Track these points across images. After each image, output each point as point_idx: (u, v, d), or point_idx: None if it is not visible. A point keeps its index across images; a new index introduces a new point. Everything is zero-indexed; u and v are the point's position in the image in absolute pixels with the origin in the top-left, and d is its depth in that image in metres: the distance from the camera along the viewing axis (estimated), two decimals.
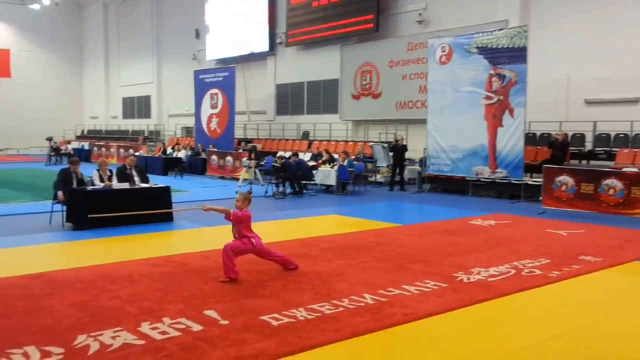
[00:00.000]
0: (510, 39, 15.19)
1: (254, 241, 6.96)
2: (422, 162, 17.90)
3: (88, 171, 11.89)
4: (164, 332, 5.02)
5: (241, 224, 6.96)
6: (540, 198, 13.37)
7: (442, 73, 16.79)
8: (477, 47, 15.88)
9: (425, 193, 17.34)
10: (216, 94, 26.03)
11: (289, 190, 16.62)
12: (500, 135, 15.56)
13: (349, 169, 16.67)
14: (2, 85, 40.29)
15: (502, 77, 15.41)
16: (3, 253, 8.53)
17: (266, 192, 16.18)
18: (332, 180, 17.12)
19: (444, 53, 16.75)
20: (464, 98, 16.28)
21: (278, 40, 27.03)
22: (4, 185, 18.15)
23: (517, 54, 15.04)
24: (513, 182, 15.54)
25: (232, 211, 6.92)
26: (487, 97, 15.74)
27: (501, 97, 15.45)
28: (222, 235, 9.71)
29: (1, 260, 8.03)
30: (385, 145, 18.99)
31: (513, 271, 7.42)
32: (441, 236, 9.97)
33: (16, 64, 40.14)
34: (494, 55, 15.54)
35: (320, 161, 18.41)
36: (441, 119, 16.91)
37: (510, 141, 15.33)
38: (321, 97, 25.48)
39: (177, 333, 5.01)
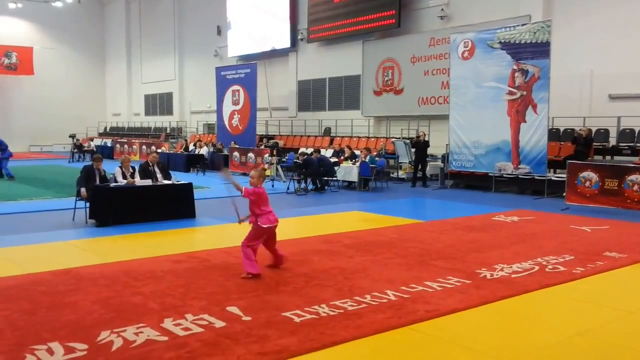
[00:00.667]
0: (534, 34, 15.00)
1: (261, 220, 6.93)
2: (445, 158, 17.79)
3: (111, 168, 11.98)
4: (186, 329, 5.03)
5: (254, 201, 6.93)
6: (564, 194, 13.20)
7: (465, 68, 16.65)
8: (500, 42, 15.71)
9: (448, 189, 17.22)
10: (238, 90, 26.10)
11: (310, 186, 16.61)
12: (523, 130, 15.39)
13: (371, 165, 16.61)
14: (25, 83, 40.84)
15: (525, 72, 15.23)
16: (27, 249, 8.63)
17: (288, 188, 16.20)
18: (354, 177, 17.07)
19: (467, 48, 16.60)
20: (486, 93, 16.13)
21: (300, 37, 27.01)
22: (28, 182, 18.40)
23: (540, 49, 14.85)
24: (536, 178, 15.37)
25: (244, 188, 6.93)
26: (510, 93, 15.58)
27: (524, 93, 15.28)
28: (244, 232, 9.74)
29: (26, 257, 8.12)
30: (407, 141, 18.88)
31: (537, 267, 7.34)
32: (464, 232, 9.89)
33: (39, 61, 40.64)
34: (516, 50, 15.36)
35: (342, 157, 18.37)
36: (463, 115, 16.77)
37: (534, 137, 15.16)
38: (343, 93, 25.42)
39: (200, 329, 5.02)
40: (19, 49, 40.04)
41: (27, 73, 40.47)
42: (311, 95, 27.06)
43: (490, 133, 16.07)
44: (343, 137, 23.85)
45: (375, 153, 18.70)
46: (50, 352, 4.52)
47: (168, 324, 5.15)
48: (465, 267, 7.33)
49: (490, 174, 16.37)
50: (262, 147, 22.94)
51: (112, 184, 11.04)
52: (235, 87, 26.23)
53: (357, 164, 17.05)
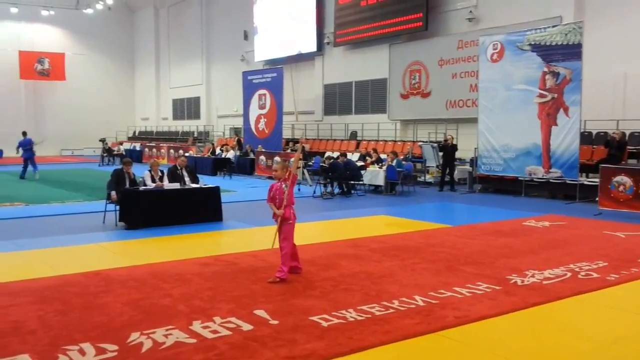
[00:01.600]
0: (565, 35, 14.79)
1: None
2: (473, 161, 17.61)
3: (140, 172, 12.11)
4: (215, 331, 5.05)
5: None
6: (597, 199, 12.97)
7: (494, 71, 16.48)
8: (530, 44, 15.53)
9: (476, 193, 17.05)
10: (264, 94, 26.21)
11: (337, 190, 16.59)
12: (554, 134, 15.17)
13: (398, 169, 16.52)
14: (57, 88, 41.56)
15: (556, 74, 15.03)
16: (60, 251, 8.77)
17: (314, 192, 16.19)
18: (380, 181, 17.01)
19: (496, 51, 16.44)
20: (516, 96, 15.95)
21: (326, 41, 27.03)
22: (59, 186, 18.69)
23: (572, 51, 14.63)
24: (568, 182, 15.12)
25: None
26: (541, 95, 15.37)
27: (555, 95, 15.07)
28: (271, 235, 9.77)
29: (58, 258, 8.25)
30: (435, 144, 18.75)
31: (569, 274, 7.20)
32: (493, 237, 9.77)
33: (71, 67, 41.35)
34: (547, 52, 15.16)
35: (368, 161, 18.31)
36: (493, 118, 16.60)
37: (565, 140, 14.94)
38: (369, 96, 25.35)
39: (228, 332, 5.03)
40: (51, 55, 40.79)
41: (59, 78, 41.20)
42: (337, 99, 27.05)
43: (520, 136, 15.87)
44: (369, 140, 23.78)
45: (402, 157, 18.60)
46: (82, 352, 4.58)
47: (197, 326, 5.18)
48: (495, 272, 7.24)
49: (520, 178, 16.16)
50: (289, 150, 22.98)
51: (142, 188, 11.15)
52: (262, 91, 26.35)
53: (384, 167, 16.98)
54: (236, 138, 29.17)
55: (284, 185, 6.83)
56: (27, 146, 22.08)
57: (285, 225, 6.84)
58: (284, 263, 6.78)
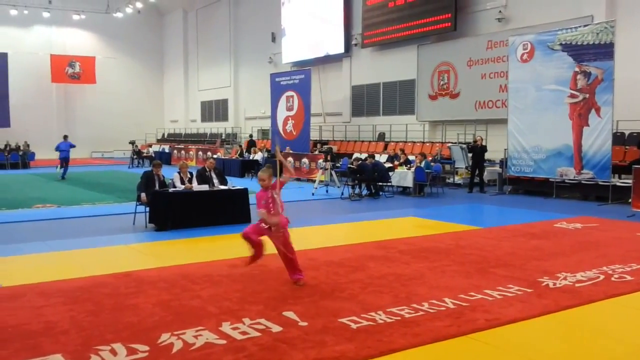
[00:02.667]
0: (596, 35, 14.55)
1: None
2: (503, 163, 17.41)
3: (169, 173, 12.22)
4: (244, 332, 5.06)
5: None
6: (630, 200, 12.72)
7: (524, 71, 16.29)
8: (561, 44, 15.31)
9: (506, 195, 16.85)
10: (292, 96, 26.28)
11: (365, 192, 16.55)
12: (586, 135, 14.93)
13: (426, 170, 16.42)
14: (88, 92, 42.22)
15: (587, 74, 14.79)
16: (90, 252, 8.88)
17: (342, 193, 16.17)
18: (408, 182, 16.92)
19: (526, 51, 16.24)
20: (547, 97, 15.73)
21: (354, 42, 26.99)
22: (90, 187, 18.97)
23: (604, 51, 14.39)
24: (600, 183, 14.87)
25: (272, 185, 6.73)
26: (572, 96, 15.14)
27: (587, 96, 14.82)
28: (299, 237, 9.76)
29: (89, 259, 8.36)
30: (464, 146, 18.59)
31: (602, 276, 7.08)
32: (524, 239, 9.64)
33: (101, 70, 41.97)
34: (578, 52, 14.92)
35: (396, 163, 18.23)
36: (523, 119, 16.40)
37: (597, 141, 14.69)
38: (397, 98, 25.23)
39: (257, 334, 5.04)
40: (82, 58, 41.46)
41: (89, 82, 41.86)
42: (365, 101, 26.98)
43: (551, 137, 15.65)
44: (397, 142, 23.67)
45: (430, 158, 18.48)
46: (114, 352, 4.63)
47: (226, 327, 5.19)
48: (526, 275, 7.14)
49: (551, 180, 15.93)
50: (317, 152, 23.00)
51: (171, 189, 11.25)
52: (290, 93, 26.42)
53: (412, 169, 16.89)
54: (249, 139, 29.49)
55: (274, 194, 6.68)
56: (65, 148, 22.98)
57: (282, 233, 6.70)
58: (297, 267, 6.75)
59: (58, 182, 21.20)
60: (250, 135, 31.14)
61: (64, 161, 22.81)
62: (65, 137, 24.10)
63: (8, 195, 16.80)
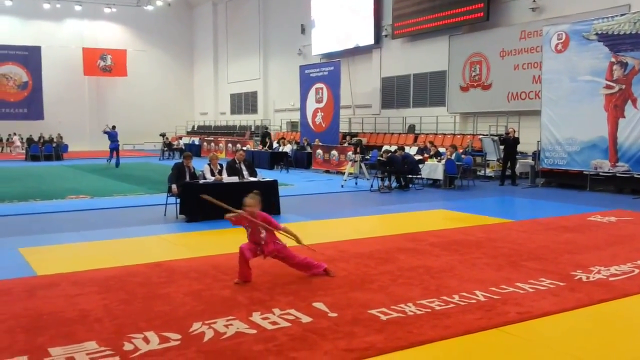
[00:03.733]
0: (634, 24, 14.24)
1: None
2: (536, 155, 17.17)
3: (199, 165, 12.31)
4: (274, 323, 5.08)
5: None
6: None
7: (558, 62, 16.02)
8: (597, 34, 15.01)
9: (539, 188, 16.61)
10: (321, 88, 26.26)
11: (394, 184, 16.47)
12: (622, 126, 14.65)
13: (457, 162, 16.27)
14: (119, 84, 42.78)
15: (624, 65, 14.48)
16: (123, 242, 9.02)
17: (371, 186, 16.12)
18: (439, 175, 16.79)
19: (560, 41, 15.96)
20: (581, 88, 15.45)
21: (384, 33, 26.81)
22: (122, 179, 19.22)
23: None
24: (635, 176, 14.58)
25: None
26: (608, 87, 14.85)
27: (623, 87, 14.53)
28: (329, 229, 9.77)
29: (122, 249, 8.49)
30: (496, 138, 18.37)
31: (637, 270, 6.93)
32: (557, 233, 9.49)
33: (132, 63, 42.54)
34: (615, 42, 14.62)
35: (426, 155, 18.10)
36: (557, 110, 16.14)
37: (633, 133, 14.40)
38: (428, 89, 25.03)
39: (287, 324, 5.05)
40: (113, 51, 42.03)
41: (120, 74, 42.42)
42: (395, 92, 26.82)
43: (586, 129, 15.38)
44: (427, 134, 23.49)
45: (461, 150, 18.30)
46: (146, 340, 4.69)
47: (256, 317, 5.22)
48: (559, 268, 7.03)
49: (585, 172, 15.66)
50: (346, 144, 22.95)
51: (201, 181, 11.33)
52: (319, 85, 26.40)
53: (443, 161, 16.75)
54: (263, 131, 29.65)
55: (259, 227, 6.52)
56: (114, 137, 24.40)
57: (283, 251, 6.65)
58: (314, 264, 6.71)
59: (93, 174, 21.54)
60: (265, 127, 31.29)
61: (115, 150, 24.14)
62: (114, 127, 25.45)
63: (42, 186, 17.12)
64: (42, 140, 33.50)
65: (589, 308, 5.62)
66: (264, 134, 28.50)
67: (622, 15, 14.76)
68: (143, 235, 9.56)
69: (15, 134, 38.30)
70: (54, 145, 32.07)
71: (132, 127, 41.95)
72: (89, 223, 10.81)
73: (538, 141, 16.83)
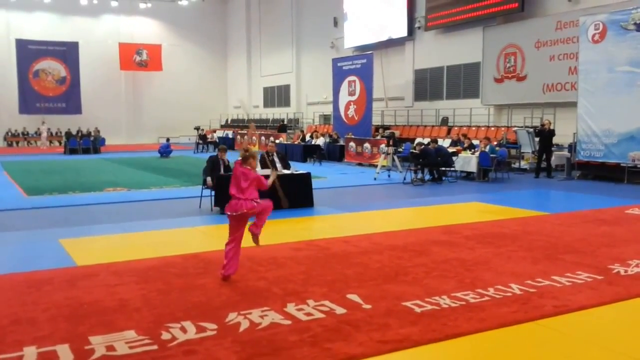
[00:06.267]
0: None
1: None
2: (572, 147, 16.89)
3: (233, 158, 12.38)
4: (308, 314, 5.13)
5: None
6: None
7: (595, 52, 15.71)
8: (635, 24, 14.67)
9: (575, 180, 16.35)
10: (354, 81, 26.20)
11: (427, 177, 16.38)
12: None
13: (491, 155, 16.10)
14: (155, 79, 43.30)
15: None
16: (160, 234, 9.18)
17: (404, 178, 16.06)
18: (472, 167, 16.63)
19: (597, 31, 15.64)
20: (619, 79, 15.14)
21: (417, 25, 26.59)
22: (158, 172, 19.50)
23: None
24: None
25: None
26: None
27: None
28: (363, 221, 9.79)
29: (159, 241, 8.63)
30: (531, 130, 18.11)
31: None
32: (594, 226, 9.35)
33: (167, 58, 42.95)
34: None
35: (460, 147, 17.94)
36: (593, 102, 15.84)
37: None
38: (461, 81, 24.77)
39: (322, 315, 5.10)
40: (148, 46, 42.54)
41: (156, 69, 42.91)
42: (428, 84, 26.60)
43: (624, 121, 15.08)
44: (461, 126, 23.27)
45: (495, 143, 18.09)
46: (184, 330, 4.78)
47: (291, 308, 5.28)
48: (596, 262, 6.94)
49: (622, 165, 15.36)
50: (379, 137, 22.88)
51: None
52: (352, 77, 26.34)
53: (476, 154, 16.59)
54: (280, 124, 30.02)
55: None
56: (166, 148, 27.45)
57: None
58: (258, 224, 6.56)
59: (129, 166, 21.90)
60: (282, 121, 31.43)
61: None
62: (168, 139, 28.36)
63: (81, 178, 17.47)
64: (80, 134, 34.14)
65: (628, 302, 5.56)
66: (282, 127, 28.85)
67: None
68: (179, 227, 9.70)
69: (43, 122, 38.02)
70: (92, 138, 32.64)
71: (167, 121, 42.50)
72: (127, 215, 11.01)
73: (574, 133, 16.56)
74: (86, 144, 31.41)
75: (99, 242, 8.59)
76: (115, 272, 6.65)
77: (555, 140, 17.30)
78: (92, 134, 34.48)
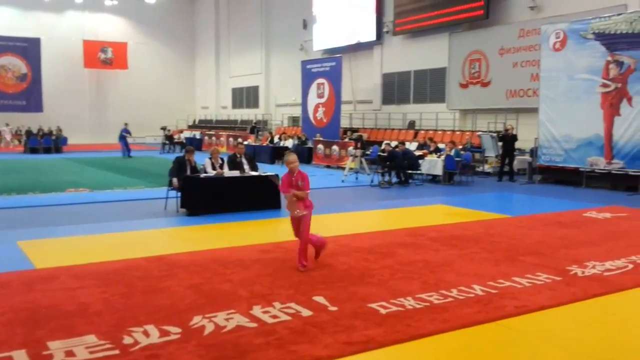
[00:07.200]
0: (630, 24, 14.32)
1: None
2: (533, 152, 17.24)
3: (200, 159, 12.35)
4: (274, 316, 5.14)
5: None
6: None
7: (556, 60, 16.08)
8: (594, 33, 15.06)
9: (536, 184, 16.69)
10: (323, 83, 26.28)
11: (394, 179, 16.52)
12: (617, 124, 14.73)
13: (456, 158, 16.33)
14: (120, 77, 42.72)
15: (620, 64, 14.55)
16: (123, 236, 9.05)
17: (372, 181, 16.18)
18: (438, 170, 16.83)
19: (558, 39, 16.01)
20: (579, 86, 15.52)
21: (385, 29, 26.80)
22: (122, 172, 19.25)
23: (637, 40, 14.18)
24: (630, 173, 14.63)
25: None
26: (604, 85, 14.92)
27: (619, 85, 14.60)
28: (330, 223, 9.84)
29: (122, 243, 8.52)
30: (494, 134, 18.42)
31: (631, 266, 7.04)
32: (553, 228, 9.57)
33: (133, 56, 42.43)
34: (611, 41, 14.69)
35: (426, 151, 18.15)
36: (554, 108, 16.21)
37: (628, 131, 14.49)
38: (428, 86, 25.06)
39: (288, 317, 5.12)
40: (114, 44, 41.96)
41: (121, 67, 42.33)
42: (396, 88, 26.84)
43: (582, 127, 15.46)
44: (428, 130, 23.53)
45: (460, 146, 18.35)
46: (146, 334, 4.73)
47: (257, 311, 5.28)
48: (555, 263, 7.11)
49: (581, 169, 15.74)
50: (347, 139, 22.97)
51: (202, 175, 11.37)
52: (321, 80, 26.41)
53: (442, 157, 16.80)
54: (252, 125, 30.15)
55: (299, 182, 6.94)
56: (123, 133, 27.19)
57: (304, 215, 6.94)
58: (304, 255, 6.87)
59: (92, 167, 21.56)
60: (252, 122, 31.61)
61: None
62: (125, 124, 27.75)
63: (42, 178, 17.15)
64: (41, 133, 33.43)
65: (585, 302, 5.72)
66: (252, 129, 28.88)
67: (618, 14, 14.81)
68: (143, 229, 9.60)
69: (7, 124, 37.34)
70: (53, 137, 32.04)
71: (133, 120, 41.44)
72: (89, 216, 10.83)
73: (535, 138, 16.91)
74: (47, 142, 30.85)
75: (59, 244, 8.43)
76: (76, 275, 6.53)
77: (517, 145, 17.65)
78: (54, 132, 33.82)
